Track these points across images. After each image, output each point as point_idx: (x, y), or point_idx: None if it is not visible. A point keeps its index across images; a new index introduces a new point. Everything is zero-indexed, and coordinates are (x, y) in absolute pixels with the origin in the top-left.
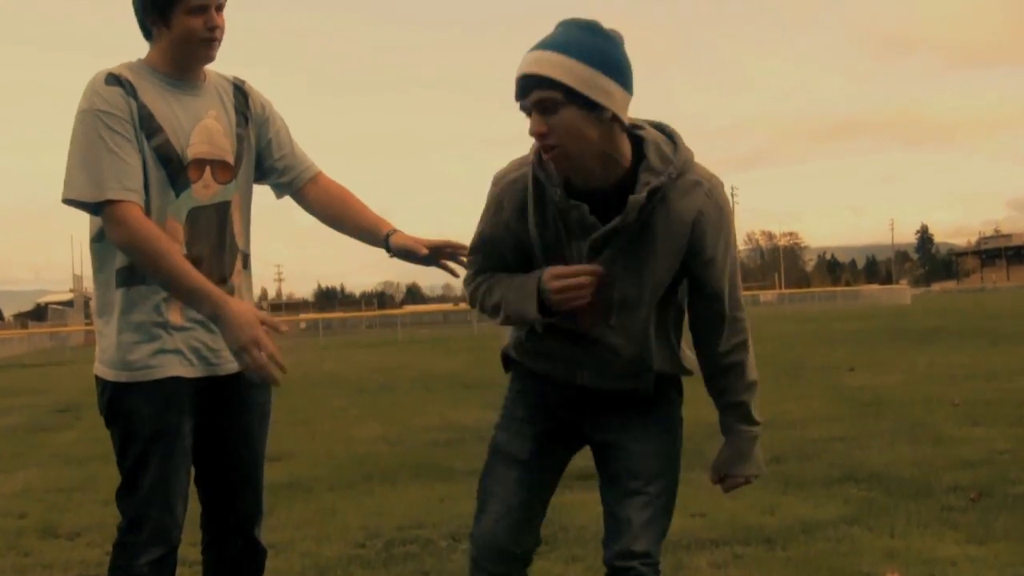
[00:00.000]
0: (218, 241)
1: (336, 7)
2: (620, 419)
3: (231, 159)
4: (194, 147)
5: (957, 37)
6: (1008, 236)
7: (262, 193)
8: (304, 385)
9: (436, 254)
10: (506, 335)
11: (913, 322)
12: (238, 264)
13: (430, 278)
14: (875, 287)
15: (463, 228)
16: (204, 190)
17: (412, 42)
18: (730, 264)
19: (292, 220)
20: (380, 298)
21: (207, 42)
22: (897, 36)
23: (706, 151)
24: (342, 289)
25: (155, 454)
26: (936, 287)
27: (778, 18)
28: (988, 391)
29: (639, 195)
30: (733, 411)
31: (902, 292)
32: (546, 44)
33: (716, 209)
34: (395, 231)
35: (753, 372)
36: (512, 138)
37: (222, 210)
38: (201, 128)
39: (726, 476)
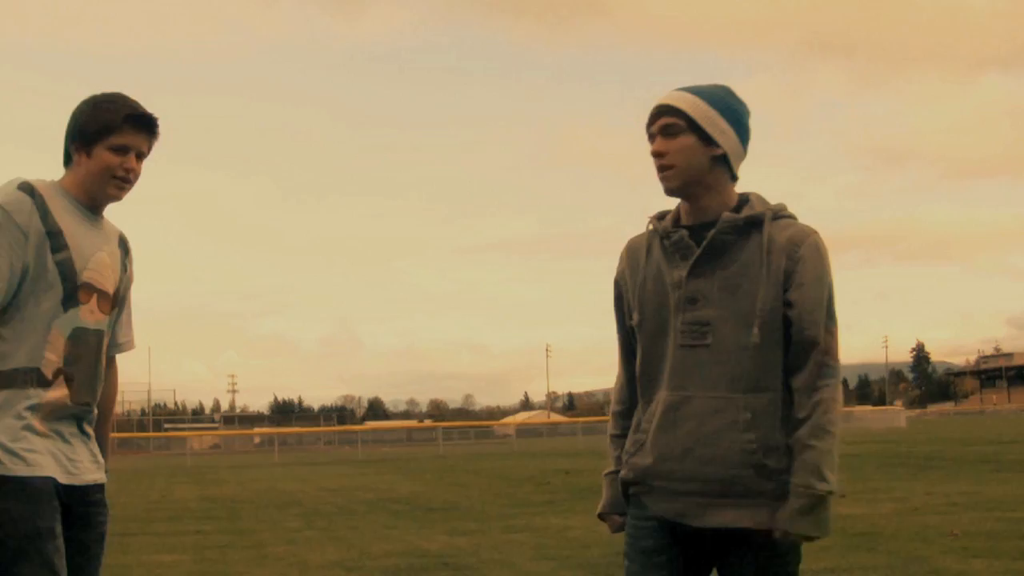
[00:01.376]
0: (93, 367)
1: (301, 106)
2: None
3: (111, 298)
4: (89, 272)
5: (951, 148)
6: (1009, 355)
7: (216, 298)
8: (256, 506)
9: None
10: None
11: (908, 447)
12: (97, 395)
13: (394, 392)
14: (868, 409)
15: (430, 342)
16: (90, 315)
17: (379, 144)
18: (827, 303)
19: (247, 327)
20: (340, 413)
21: (119, 181)
22: (888, 147)
23: None
24: (300, 402)
25: (32, 551)
26: (933, 409)
27: (767, 127)
28: (989, 522)
29: (734, 214)
30: (804, 459)
31: (897, 414)
32: (684, 88)
33: (814, 247)
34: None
35: (833, 424)
36: (485, 247)
37: (99, 339)
38: (98, 258)
39: (786, 532)
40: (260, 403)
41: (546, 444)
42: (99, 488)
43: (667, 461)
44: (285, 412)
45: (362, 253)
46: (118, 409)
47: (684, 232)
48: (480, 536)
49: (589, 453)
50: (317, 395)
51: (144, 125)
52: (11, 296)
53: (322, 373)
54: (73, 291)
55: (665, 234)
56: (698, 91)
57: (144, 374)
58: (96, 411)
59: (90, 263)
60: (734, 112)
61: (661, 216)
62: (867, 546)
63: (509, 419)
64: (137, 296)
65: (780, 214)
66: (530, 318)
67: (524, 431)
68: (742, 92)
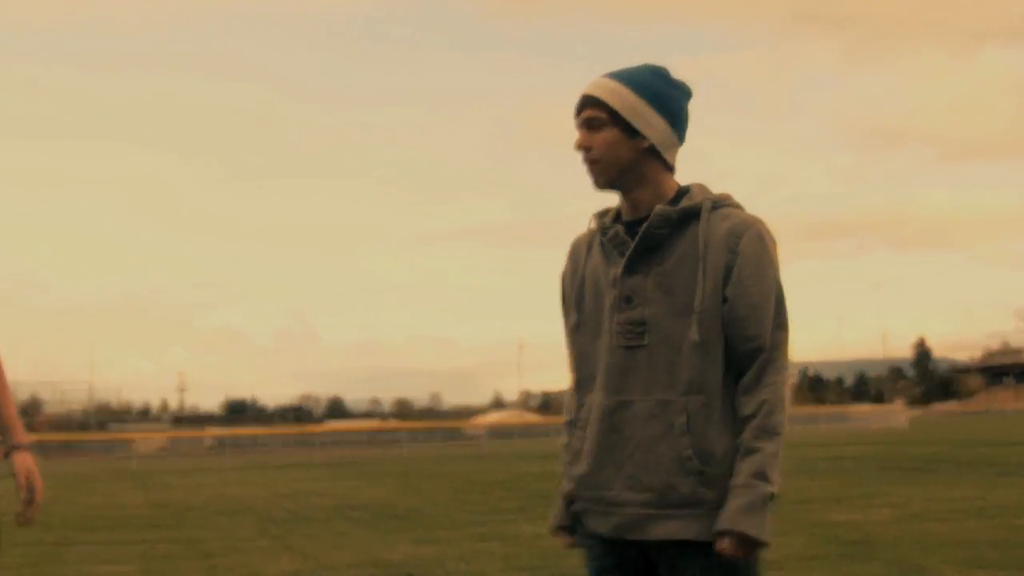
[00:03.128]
0: None
1: (252, 82)
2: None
3: None
4: None
5: (952, 128)
6: (1017, 351)
7: (161, 289)
8: (205, 513)
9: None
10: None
11: (909, 449)
12: None
13: (356, 391)
14: (865, 408)
15: (393, 336)
16: None
17: (337, 124)
18: (774, 297)
19: (196, 321)
20: (297, 413)
21: None
22: (884, 126)
23: None
24: (254, 402)
25: None
26: (935, 408)
27: (753, 106)
28: (994, 530)
29: (668, 207)
30: (747, 461)
31: (897, 414)
32: (611, 73)
33: (756, 238)
34: (20, 447)
35: (778, 425)
36: (452, 233)
37: None
38: None
39: (725, 533)
40: (211, 402)
41: (519, 446)
42: None
43: (604, 469)
44: (238, 412)
45: (319, 240)
46: (58, 408)
47: (620, 228)
48: (447, 545)
49: None
50: (272, 393)
51: None
52: None
53: (277, 370)
54: None
55: (603, 230)
56: (625, 77)
57: (85, 371)
58: None
59: None
60: (663, 99)
61: (604, 213)
62: (863, 556)
63: (479, 419)
64: (77, 288)
65: (721, 203)
66: (501, 311)
67: (496, 432)
68: (727, 68)
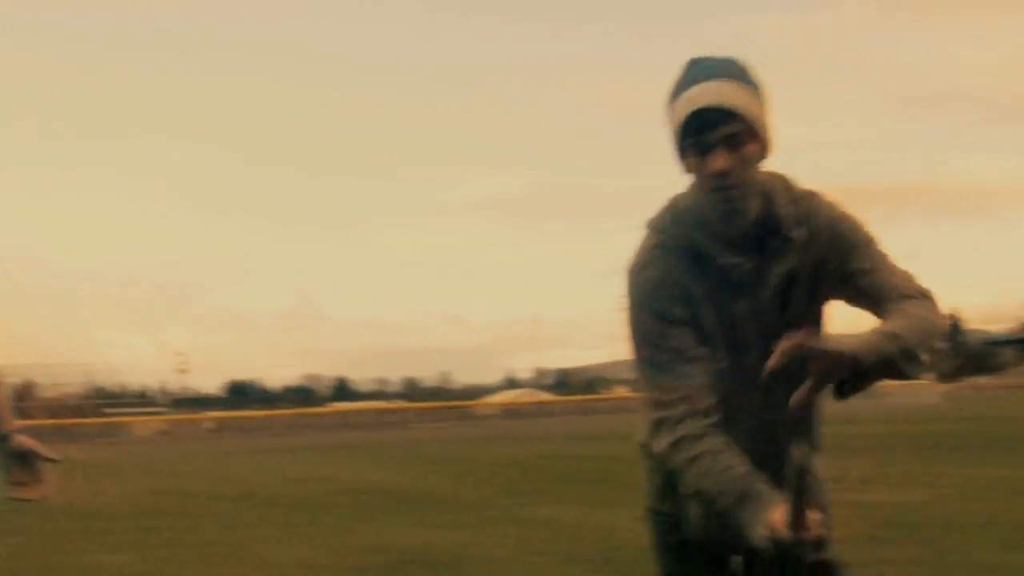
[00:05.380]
0: None
1: (258, 54)
2: None
3: None
4: None
5: (990, 89)
6: None
7: (162, 267)
8: (207, 499)
9: None
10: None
11: (942, 426)
12: None
13: (363, 370)
14: (896, 383)
15: (397, 309)
16: None
17: (344, 94)
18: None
19: (198, 300)
20: (303, 394)
21: None
22: (920, 89)
23: None
24: (258, 383)
25: None
26: (969, 383)
27: (779, 69)
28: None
29: (800, 230)
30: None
31: (929, 390)
32: (724, 72)
33: (829, 207)
34: (13, 432)
35: (936, 323)
36: (464, 206)
37: None
38: None
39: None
40: (213, 384)
41: (534, 426)
42: None
43: None
44: (242, 394)
45: (325, 216)
46: (52, 392)
47: (744, 262)
48: (458, 530)
49: (582, 437)
50: (277, 374)
51: None
52: None
53: (282, 350)
54: None
55: (727, 267)
56: (741, 76)
57: (81, 352)
58: None
59: None
60: (768, 99)
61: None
62: (896, 537)
63: (491, 398)
64: (74, 266)
65: (800, 195)
66: (514, 286)
67: (509, 412)
68: (752, 30)
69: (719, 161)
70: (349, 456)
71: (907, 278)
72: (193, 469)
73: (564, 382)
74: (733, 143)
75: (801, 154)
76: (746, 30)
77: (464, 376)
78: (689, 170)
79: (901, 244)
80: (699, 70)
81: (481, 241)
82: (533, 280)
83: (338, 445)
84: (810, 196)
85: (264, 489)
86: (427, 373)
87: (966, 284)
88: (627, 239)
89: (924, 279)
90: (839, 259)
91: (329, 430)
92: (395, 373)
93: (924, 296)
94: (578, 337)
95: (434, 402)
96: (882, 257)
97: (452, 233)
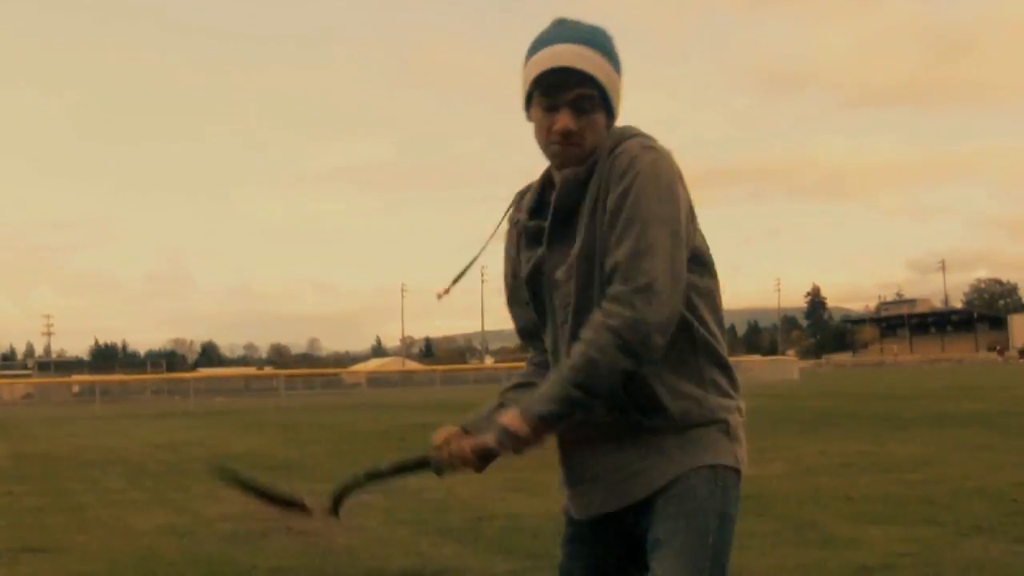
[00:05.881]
0: None
1: (124, 14)
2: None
3: None
4: None
5: (851, 73)
6: (912, 302)
7: (25, 228)
8: (74, 464)
9: None
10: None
11: (801, 402)
12: None
13: (230, 335)
14: (757, 359)
15: (265, 275)
16: None
17: (212, 59)
18: (641, 213)
19: (63, 263)
20: (169, 359)
21: None
22: (782, 71)
23: None
24: (124, 347)
25: None
26: (829, 360)
27: (648, 48)
28: (888, 484)
29: (577, 168)
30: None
31: (789, 365)
32: (581, 38)
33: (629, 157)
34: None
35: (599, 339)
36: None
37: None
38: None
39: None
40: (79, 347)
41: (401, 395)
42: None
43: None
44: (108, 358)
45: (193, 180)
46: None
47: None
48: (326, 498)
49: (449, 405)
50: (143, 338)
51: None
52: None
53: (149, 314)
54: None
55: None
56: (599, 45)
57: None
58: None
59: None
60: (620, 68)
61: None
62: (755, 510)
63: (359, 366)
64: None
65: (619, 139)
66: (383, 255)
67: (376, 380)
68: (622, 8)
69: (566, 120)
70: (217, 423)
71: (633, 269)
72: (60, 433)
73: (431, 350)
74: (582, 107)
75: (666, 132)
76: (610, 6)
77: (332, 343)
78: (534, 122)
79: (762, 222)
80: (564, 30)
81: (349, 209)
82: (401, 249)
83: (206, 411)
84: (624, 155)
85: (132, 455)
86: (295, 340)
87: (826, 263)
88: (492, 209)
89: (784, 257)
90: (608, 223)
91: (197, 396)
92: (263, 340)
93: (628, 298)
94: (445, 307)
95: (302, 369)
96: (635, 235)
97: (321, 201)
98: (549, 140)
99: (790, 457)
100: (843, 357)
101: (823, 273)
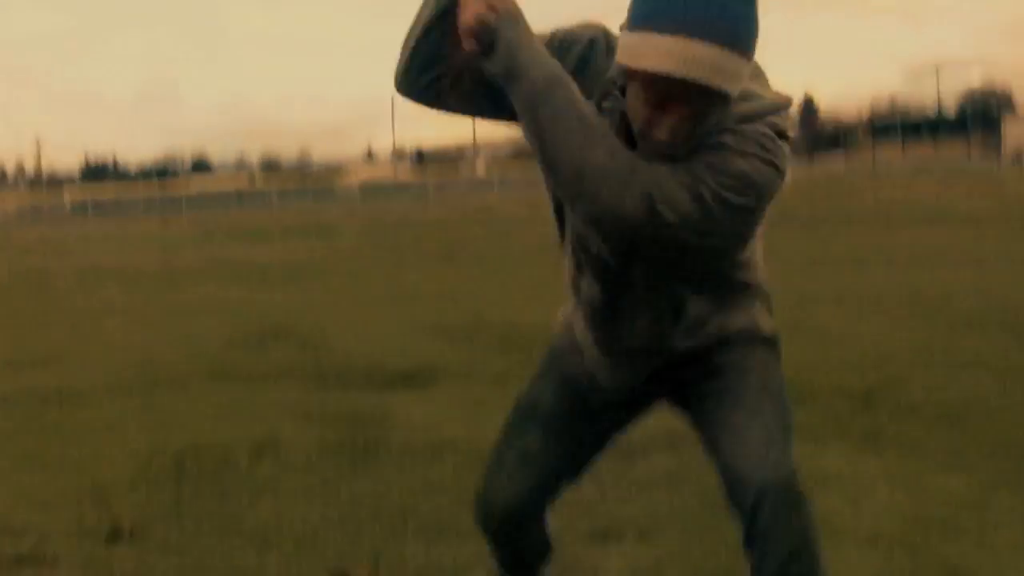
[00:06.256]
0: None
1: None
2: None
3: None
4: None
5: None
6: (904, 108)
7: (10, 47)
8: (70, 276)
9: None
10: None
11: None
12: None
13: (221, 148)
14: None
15: (255, 85)
16: None
17: None
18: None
19: (48, 80)
20: (161, 172)
21: None
22: None
23: None
24: (115, 163)
25: None
26: (822, 166)
27: None
28: (881, 283)
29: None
30: None
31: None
32: (716, 32)
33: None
34: None
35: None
36: None
37: None
38: None
39: None
40: (69, 163)
41: (395, 210)
42: None
43: None
44: (98, 173)
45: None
46: None
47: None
48: (326, 293)
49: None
50: (133, 155)
51: None
52: None
53: (138, 129)
54: None
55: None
56: (743, 44)
57: None
58: None
59: None
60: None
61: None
62: None
63: (351, 176)
64: None
65: None
66: (373, 63)
67: (368, 188)
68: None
69: (674, 127)
70: (213, 233)
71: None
72: (55, 249)
73: (422, 158)
74: (699, 110)
75: None
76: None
77: (323, 153)
78: (629, 89)
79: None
80: (706, 12)
81: (338, 16)
82: (391, 57)
83: (200, 224)
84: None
85: (128, 266)
86: (286, 150)
87: (818, 69)
88: None
89: (777, 63)
90: None
91: (190, 207)
92: (254, 150)
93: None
94: (436, 116)
95: (294, 178)
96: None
97: (308, 9)
98: (646, 127)
99: (785, 256)
100: (836, 165)
101: (815, 80)
